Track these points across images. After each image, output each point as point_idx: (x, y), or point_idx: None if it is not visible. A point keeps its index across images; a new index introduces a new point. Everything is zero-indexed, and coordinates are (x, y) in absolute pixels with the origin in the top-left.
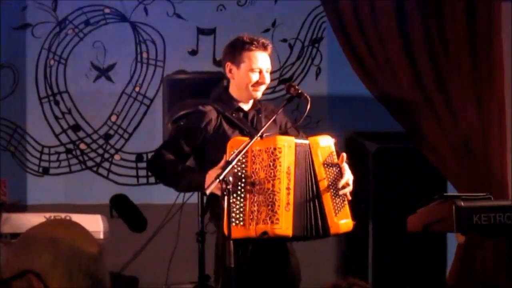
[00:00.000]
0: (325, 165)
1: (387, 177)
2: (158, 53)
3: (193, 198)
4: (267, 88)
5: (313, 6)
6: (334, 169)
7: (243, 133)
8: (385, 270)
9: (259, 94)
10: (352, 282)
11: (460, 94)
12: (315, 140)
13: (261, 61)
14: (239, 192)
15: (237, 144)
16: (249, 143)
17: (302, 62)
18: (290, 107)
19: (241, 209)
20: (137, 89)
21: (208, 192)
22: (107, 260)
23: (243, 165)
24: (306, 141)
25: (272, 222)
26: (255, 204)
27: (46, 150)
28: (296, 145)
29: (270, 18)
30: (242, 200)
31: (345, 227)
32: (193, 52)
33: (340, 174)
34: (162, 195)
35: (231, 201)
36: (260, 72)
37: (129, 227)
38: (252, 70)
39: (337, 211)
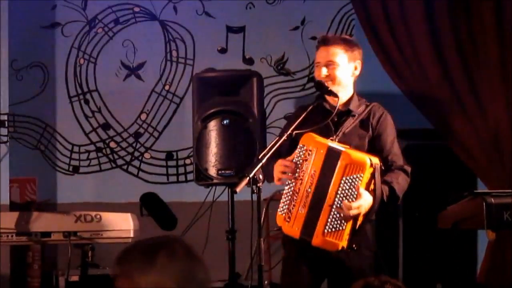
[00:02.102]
0: (343, 181)
1: (416, 174)
2: (187, 51)
3: (223, 196)
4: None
5: (342, 3)
6: (351, 189)
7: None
8: (416, 267)
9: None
10: (384, 280)
11: (488, 90)
12: (349, 153)
13: (319, 56)
14: (291, 184)
15: (307, 140)
16: (277, 142)
17: None
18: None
19: (287, 202)
20: (166, 87)
21: (238, 190)
22: None
23: (300, 160)
24: (341, 149)
25: (285, 219)
26: (288, 198)
27: (76, 149)
28: (328, 150)
29: (299, 15)
30: (290, 192)
31: (329, 246)
32: (223, 50)
33: (355, 198)
34: (192, 193)
35: (285, 191)
36: (319, 66)
37: (159, 225)
38: (315, 66)
39: (329, 229)
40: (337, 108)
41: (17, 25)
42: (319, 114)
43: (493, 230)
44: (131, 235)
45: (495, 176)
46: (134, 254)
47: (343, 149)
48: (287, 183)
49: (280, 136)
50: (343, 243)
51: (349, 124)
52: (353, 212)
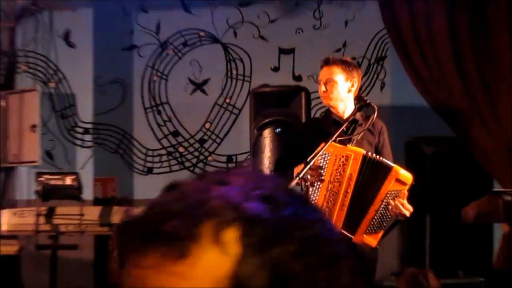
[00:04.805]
0: (388, 193)
1: (442, 176)
2: (245, 69)
3: None
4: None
5: (378, 29)
6: (393, 199)
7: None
8: (440, 256)
9: (327, 102)
10: (425, 271)
11: (504, 102)
12: (398, 170)
13: (321, 74)
14: (317, 186)
15: (330, 148)
16: (323, 147)
17: (369, 77)
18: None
19: (323, 202)
20: (227, 100)
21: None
22: None
23: (325, 165)
24: (391, 165)
25: None
26: (325, 199)
27: (150, 153)
28: (364, 158)
29: (341, 39)
30: (318, 193)
31: (368, 243)
32: (275, 69)
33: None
34: None
35: (309, 193)
36: (320, 83)
37: None
38: (318, 83)
39: (369, 230)
40: (374, 116)
41: (101, 47)
42: (328, 123)
43: (508, 223)
44: None
45: (510, 177)
46: None
47: (392, 164)
48: (306, 187)
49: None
50: (375, 242)
51: (359, 133)
52: (407, 214)
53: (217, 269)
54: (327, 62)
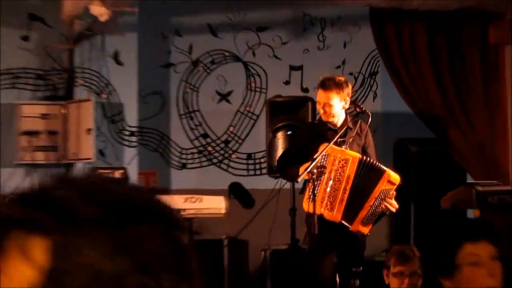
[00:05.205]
0: (381, 192)
1: (424, 170)
2: (262, 83)
3: (287, 184)
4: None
5: (371, 49)
6: (384, 197)
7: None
8: (423, 237)
9: (326, 119)
10: (410, 246)
11: (475, 111)
12: (389, 173)
13: (319, 96)
14: (318, 182)
15: (331, 150)
16: (326, 147)
17: (364, 89)
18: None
19: (326, 196)
20: (247, 108)
21: (299, 180)
22: (228, 228)
23: (325, 163)
24: (384, 169)
25: (327, 209)
26: (326, 193)
27: (184, 151)
28: (360, 161)
29: (341, 58)
30: (318, 187)
31: (362, 231)
32: (287, 82)
33: (384, 200)
34: (265, 182)
35: (315, 185)
36: (319, 104)
37: (241, 204)
38: (317, 102)
39: (364, 221)
40: (369, 122)
41: (144, 65)
42: (324, 128)
43: (480, 210)
44: (223, 211)
45: (480, 172)
46: None
47: (385, 168)
48: (312, 180)
49: (315, 144)
50: (367, 231)
51: (350, 137)
52: (393, 210)
53: (26, 280)
54: (323, 86)
